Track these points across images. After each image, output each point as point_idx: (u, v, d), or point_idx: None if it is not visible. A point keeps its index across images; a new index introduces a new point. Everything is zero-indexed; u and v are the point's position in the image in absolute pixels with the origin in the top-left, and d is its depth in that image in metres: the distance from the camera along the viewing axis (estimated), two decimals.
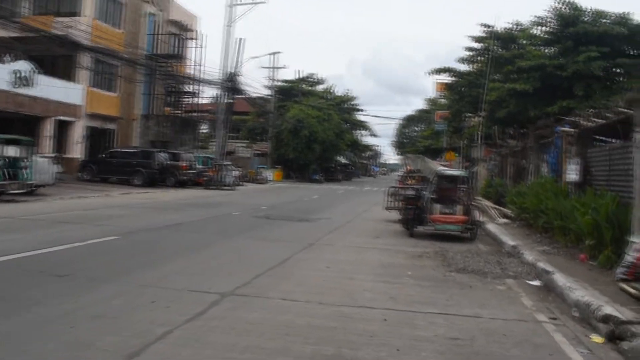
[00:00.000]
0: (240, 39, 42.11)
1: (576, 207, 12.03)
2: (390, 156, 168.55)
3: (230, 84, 40.89)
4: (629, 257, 8.91)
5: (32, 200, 20.31)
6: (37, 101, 29.82)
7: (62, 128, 33.62)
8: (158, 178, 34.11)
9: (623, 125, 11.60)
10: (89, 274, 8.57)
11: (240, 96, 45.34)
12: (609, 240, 10.22)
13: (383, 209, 20.09)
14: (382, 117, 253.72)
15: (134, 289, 7.81)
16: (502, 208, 21.92)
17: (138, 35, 40.71)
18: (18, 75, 28.28)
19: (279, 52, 67.37)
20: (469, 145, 46.69)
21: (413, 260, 11.70)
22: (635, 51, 28.99)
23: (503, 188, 25.07)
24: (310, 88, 75.79)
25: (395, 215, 19.19)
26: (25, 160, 21.32)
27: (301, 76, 73.99)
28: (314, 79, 77.56)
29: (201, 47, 44.60)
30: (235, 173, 41.72)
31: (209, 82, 41.72)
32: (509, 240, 14.15)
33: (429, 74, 38.74)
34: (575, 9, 29.75)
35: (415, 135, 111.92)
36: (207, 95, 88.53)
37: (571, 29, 29.10)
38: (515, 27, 34.61)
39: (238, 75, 41.47)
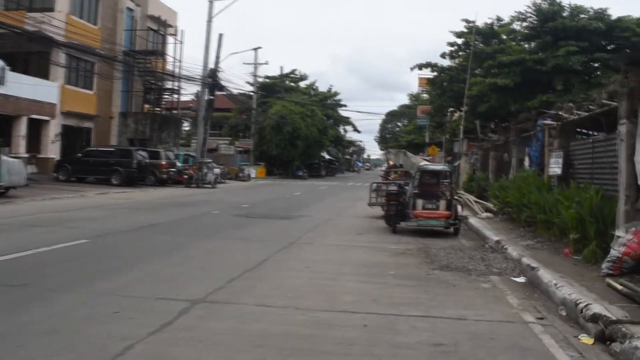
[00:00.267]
0: (220, 34, 41.62)
1: (560, 200, 11.78)
2: (374, 152, 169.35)
3: (211, 80, 40.44)
4: (615, 251, 8.67)
5: (1, 203, 19.56)
6: (9, 100, 28.90)
7: (36, 127, 32.85)
8: (137, 177, 33.41)
9: (607, 117, 11.37)
10: (47, 283, 8.08)
11: (221, 93, 44.87)
12: (594, 235, 9.97)
13: (367, 205, 19.88)
14: (366, 112, 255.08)
15: (96, 298, 7.33)
16: (484, 202, 21.72)
17: (116, 31, 39.99)
18: None
19: (259, 48, 66.74)
20: (451, 140, 46.68)
21: (396, 258, 11.38)
22: (612, 46, 29.12)
23: (485, 182, 24.93)
24: (293, 84, 75.51)
25: (379, 211, 18.98)
26: None
27: (284, 72, 73.58)
28: (297, 75, 77.39)
29: (181, 43, 44.13)
30: (217, 171, 41.24)
31: (188, 79, 41.32)
32: (492, 235, 13.89)
33: (412, 68, 38.88)
34: (554, 4, 29.81)
35: (399, 130, 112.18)
36: (189, 92, 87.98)
37: (550, 24, 29.20)
38: (496, 22, 34.68)
39: (219, 71, 41.03)
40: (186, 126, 71.04)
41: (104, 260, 10.13)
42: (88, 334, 5.85)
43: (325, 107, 73.11)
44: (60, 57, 33.57)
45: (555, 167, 13.79)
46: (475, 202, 22.42)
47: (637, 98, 8.94)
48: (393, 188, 16.93)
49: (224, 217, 18.37)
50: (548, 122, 15.04)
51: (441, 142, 51.65)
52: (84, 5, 36.69)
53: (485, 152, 28.00)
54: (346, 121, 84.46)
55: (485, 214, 19.39)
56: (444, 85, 38.99)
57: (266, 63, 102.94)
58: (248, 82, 65.60)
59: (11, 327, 5.94)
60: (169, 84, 44.61)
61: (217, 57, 41.26)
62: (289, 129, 59.59)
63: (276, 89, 68.73)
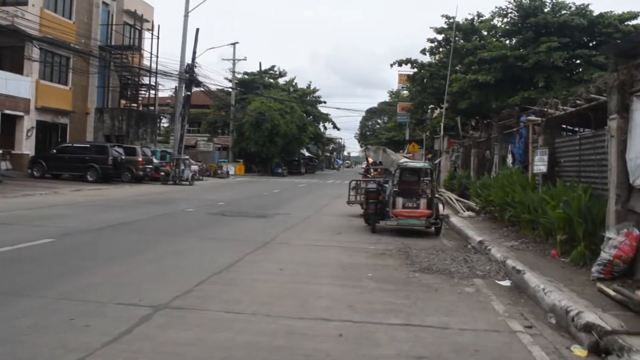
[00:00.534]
0: (197, 29, 41.22)
1: (545, 200, 11.33)
2: (355, 149, 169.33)
3: (188, 75, 39.83)
4: (605, 254, 8.19)
5: None
6: None
7: (11, 123, 32.02)
8: (113, 174, 32.88)
9: (595, 112, 10.93)
10: (2, 285, 7.50)
11: (199, 89, 44.30)
12: (582, 236, 9.48)
13: (346, 203, 19.44)
14: (346, 109, 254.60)
15: (51, 303, 6.74)
16: (466, 201, 21.31)
17: (91, 25, 39.41)
18: None
19: (237, 43, 65.82)
20: (432, 137, 46.42)
21: (375, 260, 10.89)
22: (594, 42, 28.95)
23: (467, 180, 24.52)
24: (272, 81, 74.94)
25: (358, 209, 18.54)
26: None
27: (263, 69, 72.86)
28: (276, 71, 76.90)
29: (158, 38, 43.39)
30: (194, 167, 40.77)
31: (164, 74, 40.68)
32: (475, 235, 13.41)
33: (392, 65, 38.75)
34: None
35: (379, 127, 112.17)
36: (167, 87, 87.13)
37: (532, 19, 29.01)
38: (476, 18, 34.50)
39: (196, 66, 40.49)
40: (165, 122, 70.26)
41: (67, 260, 9.57)
42: (35, 344, 5.30)
43: (304, 103, 72.70)
44: (34, 51, 32.78)
45: (540, 164, 13.32)
46: (457, 200, 22.02)
47: (629, 91, 8.49)
48: (372, 186, 16.42)
49: (198, 215, 17.77)
50: (532, 118, 14.60)
51: (422, 139, 51.37)
52: None
53: (467, 150, 27.61)
54: (326, 118, 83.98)
55: (467, 213, 18.97)
56: (424, 82, 38.81)
57: (244, 59, 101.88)
58: (227, 79, 65.05)
59: None
60: (146, 80, 43.88)
61: (194, 52, 40.93)
62: (268, 126, 59.11)
63: (255, 85, 68.14)
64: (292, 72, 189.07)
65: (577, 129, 14.36)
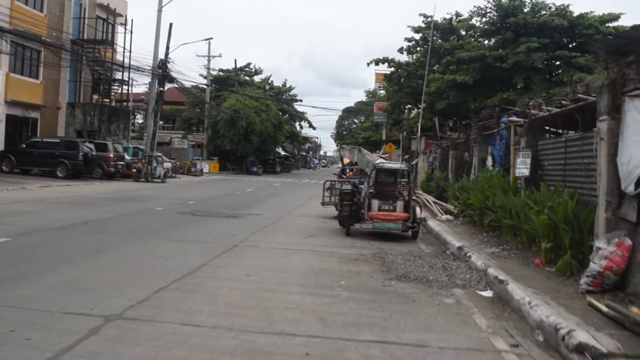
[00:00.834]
0: (170, 24, 40.40)
1: (529, 204, 10.79)
2: (331, 148, 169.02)
3: (161, 71, 39.03)
4: (595, 265, 7.64)
5: None
6: None
7: None
8: (83, 170, 32.09)
9: (582, 114, 10.42)
10: None
11: (172, 85, 43.51)
12: (569, 244, 8.91)
13: (320, 204, 18.88)
14: (322, 108, 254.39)
15: None
16: (444, 203, 20.81)
17: (63, 19, 38.41)
18: None
19: (211, 39, 65.05)
20: (409, 138, 46.02)
21: (348, 265, 10.28)
22: (574, 43, 28.64)
23: (445, 182, 24.01)
24: (247, 78, 74.12)
25: (333, 211, 18.00)
26: None
27: (238, 66, 72.03)
28: (252, 69, 76.06)
29: (131, 33, 42.49)
30: (167, 165, 40.03)
31: (137, 69, 39.81)
32: (453, 241, 12.85)
33: (369, 64, 38.40)
34: None
35: (355, 127, 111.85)
36: (141, 83, 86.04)
37: (511, 19, 28.65)
38: (455, 17, 34.14)
39: (169, 62, 39.67)
40: (139, 119, 69.27)
41: (19, 262, 8.82)
42: None
43: (280, 102, 71.98)
44: (4, 44, 31.75)
45: (522, 167, 12.79)
46: (435, 203, 21.52)
47: (620, 91, 7.96)
48: (347, 187, 15.80)
49: (167, 215, 17.06)
50: (514, 118, 14.07)
51: (399, 139, 50.92)
52: None
53: (445, 151, 27.13)
54: (302, 117, 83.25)
55: (445, 216, 18.46)
56: (401, 82, 38.45)
57: (220, 56, 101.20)
58: (202, 75, 64.22)
59: None
60: (119, 75, 42.95)
61: (167, 47, 40.22)
62: (243, 124, 58.38)
63: (230, 82, 67.31)
64: (268, 69, 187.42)
65: (561, 130, 13.83)
